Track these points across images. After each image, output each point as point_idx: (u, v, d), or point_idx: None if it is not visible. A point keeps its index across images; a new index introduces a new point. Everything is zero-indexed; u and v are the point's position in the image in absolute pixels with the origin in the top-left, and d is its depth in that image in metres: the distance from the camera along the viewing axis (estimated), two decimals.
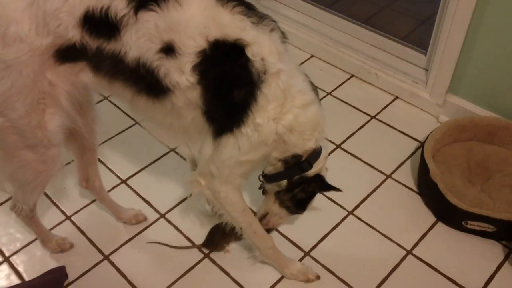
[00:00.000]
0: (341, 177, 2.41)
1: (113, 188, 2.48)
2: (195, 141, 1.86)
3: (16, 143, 1.70)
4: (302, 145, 1.78)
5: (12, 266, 2.20)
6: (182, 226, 2.32)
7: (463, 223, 2.21)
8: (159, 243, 2.24)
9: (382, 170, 2.54)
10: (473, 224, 2.20)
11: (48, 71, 1.60)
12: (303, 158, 1.82)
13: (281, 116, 1.67)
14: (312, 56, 3.22)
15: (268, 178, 1.94)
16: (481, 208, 2.21)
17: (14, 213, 2.05)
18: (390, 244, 2.24)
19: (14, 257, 2.24)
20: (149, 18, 1.51)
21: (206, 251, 2.22)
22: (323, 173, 1.94)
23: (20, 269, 2.19)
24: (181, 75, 1.56)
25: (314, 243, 2.24)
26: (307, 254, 2.21)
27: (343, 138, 2.69)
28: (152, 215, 2.38)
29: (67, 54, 1.58)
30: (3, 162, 1.77)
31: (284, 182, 1.92)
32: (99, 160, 2.24)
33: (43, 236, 2.21)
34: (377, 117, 2.83)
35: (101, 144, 2.47)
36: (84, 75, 1.65)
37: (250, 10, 1.60)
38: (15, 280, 2.16)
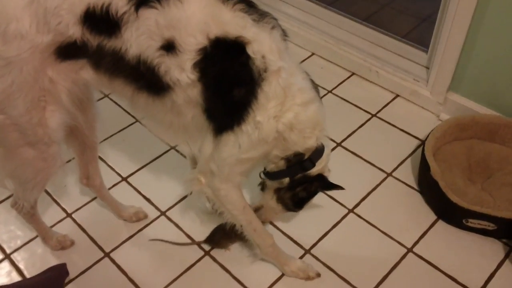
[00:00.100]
0: (341, 175, 2.41)
1: (113, 185, 2.48)
2: (196, 139, 1.86)
3: (17, 141, 1.70)
4: (302, 143, 1.78)
5: (13, 263, 2.21)
6: (183, 223, 2.33)
7: (463, 221, 2.21)
8: (161, 240, 2.24)
9: (383, 168, 2.54)
10: (473, 222, 2.20)
11: (49, 68, 1.60)
12: (306, 157, 1.82)
13: (281, 114, 1.67)
14: (313, 54, 3.22)
15: (270, 175, 1.94)
16: (481, 206, 2.20)
17: (15, 210, 2.06)
18: (390, 242, 2.24)
19: (15, 254, 2.24)
20: (149, 15, 1.51)
21: (208, 248, 2.22)
22: (326, 174, 1.94)
23: (21, 266, 2.20)
24: (181, 72, 1.56)
25: (315, 241, 2.25)
26: (307, 251, 2.21)
27: (343, 136, 2.69)
28: (152, 213, 2.38)
29: (67, 51, 1.58)
30: (3, 159, 1.77)
31: (286, 180, 1.92)
32: (100, 157, 2.24)
33: (44, 234, 2.22)
34: (377, 115, 2.83)
35: (101, 141, 2.48)
36: (84, 72, 1.66)
37: (251, 8, 1.60)
38: (16, 277, 2.16)
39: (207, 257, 2.20)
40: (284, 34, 1.70)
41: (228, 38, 1.55)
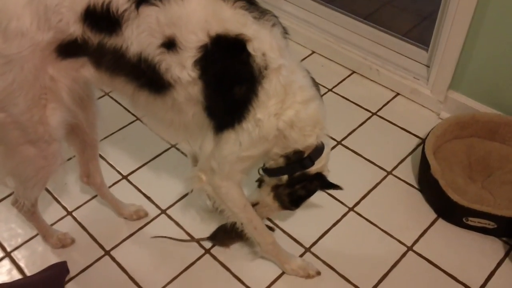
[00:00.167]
0: (342, 173, 2.41)
1: (114, 183, 2.48)
2: (196, 137, 1.85)
3: (18, 139, 1.70)
4: (302, 141, 1.78)
5: (13, 261, 2.21)
6: (183, 222, 2.33)
7: (463, 219, 2.21)
8: (163, 236, 2.24)
9: (383, 166, 2.54)
10: (473, 221, 2.20)
11: (50, 66, 1.60)
12: (305, 155, 1.82)
13: (282, 112, 1.67)
14: (313, 52, 3.22)
15: (268, 172, 1.94)
16: (481, 205, 2.21)
17: (15, 208, 2.06)
18: (390, 240, 2.24)
19: (16, 252, 2.24)
20: (150, 13, 1.51)
21: (208, 245, 2.22)
22: (325, 173, 1.94)
23: (22, 264, 2.20)
24: (182, 70, 1.56)
25: (315, 239, 2.25)
26: (307, 250, 2.21)
27: (344, 135, 2.69)
28: (153, 211, 2.38)
29: (68, 49, 1.58)
30: (4, 157, 1.77)
31: (285, 177, 1.92)
32: (100, 156, 2.24)
33: (44, 232, 2.22)
34: (378, 113, 2.82)
35: (102, 140, 2.48)
36: (85, 70, 1.65)
37: (251, 5, 1.60)
38: (16, 276, 2.16)
39: (207, 255, 2.20)
40: (285, 32, 1.70)
41: (229, 35, 1.55)
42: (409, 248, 2.20)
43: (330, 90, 2.97)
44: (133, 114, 2.78)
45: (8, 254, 2.24)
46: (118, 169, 2.55)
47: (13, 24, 1.50)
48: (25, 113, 1.63)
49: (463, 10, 2.39)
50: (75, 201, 2.42)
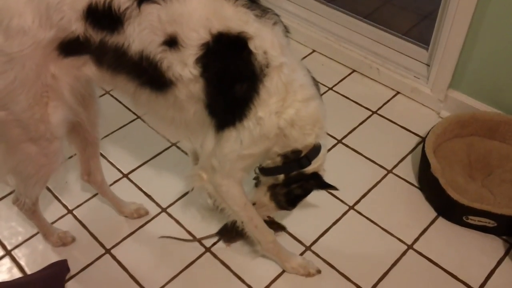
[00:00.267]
0: (342, 172, 2.43)
1: (114, 182, 2.48)
2: (197, 135, 1.85)
3: (19, 137, 1.70)
4: (302, 140, 1.78)
5: (14, 260, 2.21)
6: (184, 220, 2.33)
7: (463, 218, 2.22)
8: (172, 237, 2.24)
9: (383, 165, 2.54)
10: (473, 219, 2.20)
11: (51, 64, 1.60)
12: (303, 154, 1.83)
13: (282, 110, 1.67)
14: (314, 51, 3.22)
15: (265, 171, 1.94)
16: (481, 203, 2.21)
17: (16, 206, 2.05)
18: (390, 239, 2.24)
19: (16, 250, 2.24)
20: (152, 10, 1.51)
21: (209, 244, 2.23)
22: (321, 173, 1.94)
23: (22, 262, 2.20)
24: (184, 67, 1.56)
25: (315, 237, 2.25)
26: (308, 248, 2.21)
27: (344, 133, 2.69)
28: (153, 209, 2.38)
29: (70, 47, 1.58)
30: (5, 155, 1.77)
31: (281, 177, 1.92)
32: (101, 154, 2.24)
33: (45, 230, 2.22)
34: (378, 112, 2.83)
35: (103, 138, 2.48)
36: (87, 68, 1.65)
37: (253, 3, 1.60)
38: (17, 274, 2.16)
39: (208, 254, 2.20)
40: (286, 30, 1.70)
41: (230, 33, 1.55)
42: (409, 247, 2.20)
43: (331, 89, 2.97)
44: (133, 113, 2.78)
45: (8, 253, 2.24)
46: (118, 168, 2.56)
47: (15, 22, 1.50)
48: (26, 111, 1.63)
49: (463, 9, 2.39)
50: (76, 199, 2.42)
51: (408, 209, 2.37)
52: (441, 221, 2.30)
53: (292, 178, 1.90)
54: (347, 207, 2.36)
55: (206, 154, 1.82)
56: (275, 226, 2.21)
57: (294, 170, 1.87)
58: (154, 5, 1.51)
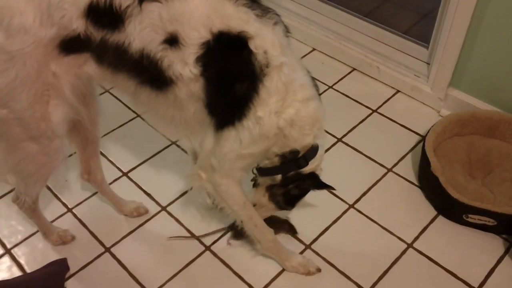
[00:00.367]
0: (342, 170, 2.43)
1: (114, 180, 2.48)
2: (197, 134, 1.85)
3: (20, 135, 1.70)
4: (301, 140, 1.78)
5: (13, 258, 2.21)
6: (183, 219, 2.33)
7: (463, 216, 2.22)
8: (178, 237, 2.24)
9: (383, 163, 2.54)
10: (473, 218, 2.20)
11: (52, 62, 1.60)
12: (300, 154, 1.82)
13: (282, 110, 1.67)
14: (314, 49, 3.21)
15: (262, 171, 1.94)
16: (481, 202, 2.21)
17: (16, 205, 2.05)
18: (390, 237, 2.24)
19: (16, 249, 2.24)
20: (153, 9, 1.51)
21: (209, 243, 2.22)
22: (317, 172, 1.94)
23: (22, 261, 2.20)
24: (184, 66, 1.56)
25: (315, 236, 2.25)
26: (308, 247, 2.21)
27: (344, 132, 2.69)
28: (153, 208, 2.38)
29: (71, 45, 1.58)
30: (6, 154, 1.77)
31: (279, 177, 1.92)
32: (101, 152, 2.24)
33: (45, 229, 2.21)
34: (378, 110, 2.83)
35: (102, 136, 2.47)
36: (88, 66, 1.65)
37: (254, 3, 1.60)
38: (17, 272, 2.16)
39: (207, 252, 2.20)
40: (287, 30, 1.70)
41: (231, 32, 1.55)
42: (409, 245, 2.20)
43: (331, 87, 2.96)
44: (133, 111, 2.78)
45: (8, 251, 2.23)
46: (118, 166, 2.55)
47: (16, 20, 1.49)
48: (27, 109, 1.63)
49: (463, 8, 2.39)
50: (76, 198, 2.42)
51: (408, 207, 2.37)
52: (441, 219, 2.30)
53: (289, 178, 1.90)
54: (347, 206, 2.36)
55: (205, 153, 1.82)
56: (287, 227, 2.21)
57: (292, 170, 1.87)
58: (155, 4, 1.51)
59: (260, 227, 2.02)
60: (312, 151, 1.83)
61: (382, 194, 2.42)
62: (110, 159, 2.58)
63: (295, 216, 2.30)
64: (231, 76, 1.61)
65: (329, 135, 2.59)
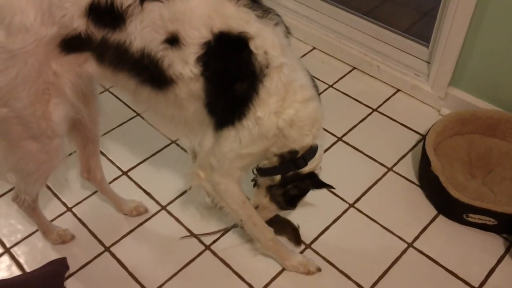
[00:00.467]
0: (342, 169, 2.43)
1: (114, 179, 2.48)
2: (196, 133, 1.86)
3: (20, 134, 1.70)
4: (300, 141, 1.78)
5: (13, 257, 2.21)
6: (183, 218, 2.33)
7: (464, 216, 2.22)
8: (190, 235, 2.24)
9: (383, 162, 2.54)
10: (474, 217, 2.20)
11: (53, 61, 1.60)
12: (299, 155, 1.82)
13: (282, 110, 1.67)
14: (314, 48, 3.21)
15: (262, 171, 1.94)
16: (482, 201, 2.21)
17: (16, 204, 2.05)
18: (391, 237, 2.24)
19: (15, 248, 2.24)
20: (154, 8, 1.51)
21: (209, 242, 2.22)
22: (317, 171, 1.94)
23: (21, 260, 2.20)
24: (185, 66, 1.57)
25: (315, 235, 2.25)
26: (308, 246, 2.21)
27: (344, 131, 2.69)
28: (153, 207, 2.38)
29: (72, 44, 1.58)
30: (6, 152, 1.77)
31: (278, 177, 1.92)
32: (100, 151, 2.23)
33: (45, 228, 2.21)
34: (378, 109, 2.82)
35: (102, 135, 2.46)
36: (88, 65, 1.66)
37: (255, 3, 1.60)
38: (16, 271, 2.16)
39: (207, 252, 2.20)
40: (287, 30, 1.71)
41: (232, 32, 1.55)
42: (410, 245, 2.20)
43: (331, 86, 2.96)
44: (133, 110, 2.78)
45: (7, 250, 2.23)
46: (118, 165, 2.55)
47: (17, 19, 1.49)
48: (28, 108, 1.63)
49: (463, 7, 2.39)
50: (75, 197, 2.42)
51: (408, 207, 2.36)
52: (441, 219, 2.30)
53: (288, 178, 1.90)
54: (347, 205, 2.36)
55: (205, 153, 1.82)
56: (290, 230, 2.21)
57: (291, 170, 1.87)
58: (156, 3, 1.51)
59: (260, 226, 2.01)
60: (311, 151, 1.83)
61: (382, 193, 2.41)
62: (110, 158, 2.58)
63: (295, 215, 2.29)
64: (231, 76, 1.61)
65: (329, 134, 2.59)
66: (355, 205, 2.36)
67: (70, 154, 2.22)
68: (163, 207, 2.37)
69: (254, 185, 2.09)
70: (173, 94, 1.65)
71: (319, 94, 1.84)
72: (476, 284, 2.06)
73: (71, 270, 2.15)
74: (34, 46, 1.53)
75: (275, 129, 1.69)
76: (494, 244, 2.20)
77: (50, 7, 1.50)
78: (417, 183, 2.45)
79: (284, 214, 2.28)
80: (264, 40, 1.58)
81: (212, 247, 2.21)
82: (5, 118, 1.65)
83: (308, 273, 2.10)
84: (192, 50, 1.54)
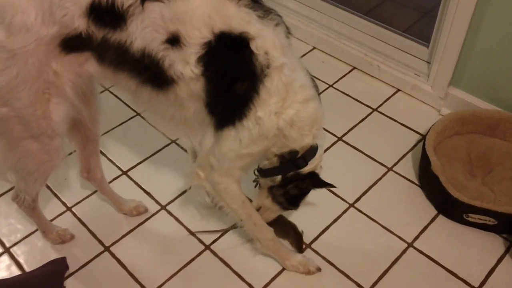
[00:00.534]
0: (342, 169, 2.43)
1: (114, 179, 2.48)
2: (196, 133, 1.86)
3: (20, 133, 1.70)
4: (300, 141, 1.78)
5: (12, 257, 2.20)
6: (183, 217, 2.32)
7: (464, 216, 2.21)
8: (205, 231, 2.24)
9: (383, 162, 2.54)
10: (474, 217, 2.20)
11: (54, 60, 1.60)
12: (299, 155, 1.82)
13: (282, 111, 1.67)
14: (314, 48, 3.21)
15: (263, 172, 1.94)
16: (482, 201, 2.21)
17: (16, 203, 2.05)
18: (391, 236, 2.24)
19: (15, 248, 2.24)
20: (155, 8, 1.51)
21: (209, 241, 2.22)
22: (317, 171, 1.94)
23: (21, 260, 2.19)
24: (185, 66, 1.57)
25: (315, 235, 2.24)
26: (308, 246, 2.21)
27: (344, 131, 2.69)
28: (153, 207, 2.37)
29: (72, 44, 1.58)
30: (6, 152, 1.77)
31: (279, 178, 1.92)
32: (100, 151, 2.23)
33: (44, 227, 2.21)
34: (378, 109, 2.82)
35: (102, 135, 2.46)
36: (89, 65, 1.65)
37: (255, 4, 1.61)
38: (16, 271, 2.15)
39: (207, 251, 2.20)
40: (288, 31, 1.71)
41: (233, 33, 1.55)
42: (410, 245, 2.20)
43: (331, 86, 2.96)
44: (133, 110, 2.77)
45: (7, 250, 2.23)
46: (118, 165, 2.55)
47: (18, 18, 1.49)
48: (28, 108, 1.63)
49: (464, 6, 2.39)
50: (75, 196, 2.42)
51: (408, 207, 2.36)
52: (441, 219, 2.29)
53: (289, 178, 1.90)
54: (347, 205, 2.36)
55: (205, 152, 1.83)
56: (293, 234, 2.21)
57: (291, 170, 1.87)
58: (157, 3, 1.51)
59: (260, 225, 2.01)
60: (311, 151, 1.83)
61: (382, 193, 2.41)
62: (110, 157, 2.58)
63: (295, 215, 2.29)
64: (232, 76, 1.62)
65: (329, 134, 2.59)
66: (355, 205, 2.36)
67: (70, 154, 2.22)
68: (163, 207, 2.37)
69: (256, 186, 2.08)
70: (173, 94, 1.65)
71: (319, 94, 1.84)
72: (476, 284, 2.06)
73: (71, 269, 2.15)
74: (34, 46, 1.53)
75: (275, 129, 1.69)
76: (494, 244, 2.20)
77: (50, 6, 1.50)
78: (417, 183, 2.45)
79: (285, 214, 2.28)
80: (265, 40, 1.58)
81: (212, 247, 2.21)
82: (5, 118, 1.65)
83: (308, 273, 2.10)
84: (193, 50, 1.54)
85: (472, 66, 2.57)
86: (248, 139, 1.70)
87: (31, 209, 2.09)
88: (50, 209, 2.36)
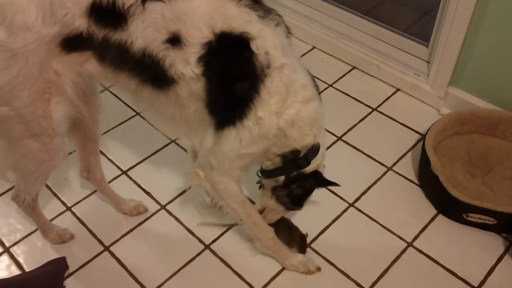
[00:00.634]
0: (342, 169, 2.42)
1: (114, 179, 2.48)
2: (196, 133, 1.86)
3: (21, 133, 1.70)
4: (301, 141, 1.78)
5: (12, 257, 2.20)
6: (183, 217, 2.32)
7: (463, 215, 2.22)
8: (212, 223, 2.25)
9: (383, 162, 2.54)
10: (473, 217, 2.20)
11: (54, 60, 1.60)
12: (301, 155, 1.82)
13: (283, 111, 1.67)
14: (314, 47, 3.21)
15: (266, 173, 1.94)
16: (481, 201, 2.21)
17: (15, 203, 2.05)
18: (390, 236, 2.24)
19: (15, 247, 2.23)
20: (155, 8, 1.51)
21: (209, 241, 2.22)
22: (320, 170, 1.94)
23: (20, 259, 2.19)
24: (186, 66, 1.57)
25: (315, 235, 2.24)
26: (308, 245, 2.20)
27: (344, 130, 2.69)
28: (152, 206, 2.37)
29: (73, 43, 1.58)
30: (6, 151, 1.77)
31: (282, 178, 1.92)
32: (100, 151, 2.23)
33: (44, 227, 2.21)
34: (378, 109, 2.82)
35: (102, 134, 2.46)
36: (89, 64, 1.66)
37: (256, 4, 1.61)
38: (15, 271, 2.15)
39: (207, 251, 2.20)
40: (288, 31, 1.71)
41: (233, 33, 1.55)
42: (409, 244, 2.20)
43: (331, 85, 2.96)
44: (133, 109, 2.77)
45: (7, 250, 2.23)
46: (118, 164, 2.55)
47: (19, 17, 1.50)
48: (28, 107, 1.63)
49: (463, 6, 2.39)
50: (75, 196, 2.42)
51: (408, 206, 2.36)
52: (441, 218, 2.30)
53: (292, 178, 1.90)
54: (347, 205, 2.36)
55: (205, 152, 1.83)
56: (298, 239, 2.20)
57: (294, 170, 1.87)
58: (158, 3, 1.51)
59: (260, 225, 2.01)
60: (313, 150, 1.83)
61: (382, 192, 2.41)
62: (110, 157, 2.58)
63: (295, 215, 2.29)
64: (232, 76, 1.62)
65: (329, 134, 2.59)
66: (355, 204, 2.36)
67: (69, 153, 2.21)
68: (163, 207, 2.37)
69: (260, 187, 2.08)
70: (174, 93, 1.65)
71: (319, 94, 1.84)
72: (476, 284, 2.07)
73: (71, 269, 2.15)
74: (35, 45, 1.53)
75: (275, 129, 1.69)
76: (493, 243, 2.20)
77: (51, 6, 1.51)
78: (417, 182, 2.45)
79: (287, 214, 2.28)
80: (265, 40, 1.58)
81: (211, 246, 2.21)
82: (5, 117, 1.65)
83: (308, 272, 2.10)
84: (193, 50, 1.55)
85: (471, 66, 2.57)
86: (248, 139, 1.70)
87: (31, 209, 2.09)
88: (50, 208, 2.35)
